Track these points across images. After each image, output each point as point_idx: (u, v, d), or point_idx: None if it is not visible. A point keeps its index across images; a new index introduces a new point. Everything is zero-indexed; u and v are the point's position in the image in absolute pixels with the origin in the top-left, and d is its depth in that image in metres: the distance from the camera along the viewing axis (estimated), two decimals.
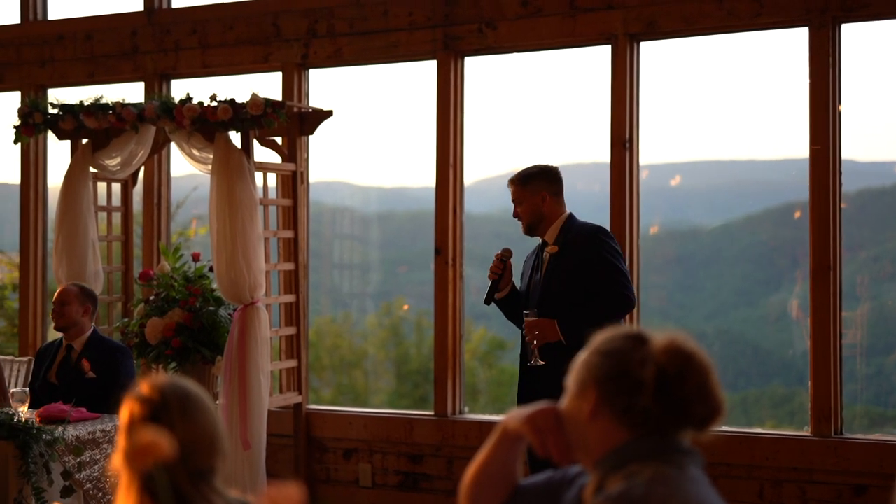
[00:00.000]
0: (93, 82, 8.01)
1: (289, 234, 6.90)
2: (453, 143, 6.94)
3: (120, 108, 6.62)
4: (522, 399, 5.27)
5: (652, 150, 6.77)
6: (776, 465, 6.11)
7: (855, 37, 6.19)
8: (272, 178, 6.82)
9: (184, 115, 6.35)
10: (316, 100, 7.41)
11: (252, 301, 6.27)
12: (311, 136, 7.20)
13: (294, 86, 7.31)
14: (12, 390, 5.39)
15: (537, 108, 7.80)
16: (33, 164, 8.16)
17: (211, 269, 6.57)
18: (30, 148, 8.09)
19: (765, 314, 9.10)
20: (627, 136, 6.49)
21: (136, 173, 7.35)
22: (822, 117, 6.08)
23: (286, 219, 6.90)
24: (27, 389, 5.44)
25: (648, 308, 7.59)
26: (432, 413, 6.97)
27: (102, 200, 7.31)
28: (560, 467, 2.40)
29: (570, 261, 5.18)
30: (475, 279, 7.28)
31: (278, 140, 6.90)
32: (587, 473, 2.28)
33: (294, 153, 6.90)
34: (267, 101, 6.27)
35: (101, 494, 5.19)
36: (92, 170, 7.00)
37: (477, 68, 7.09)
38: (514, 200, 5.36)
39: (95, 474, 5.18)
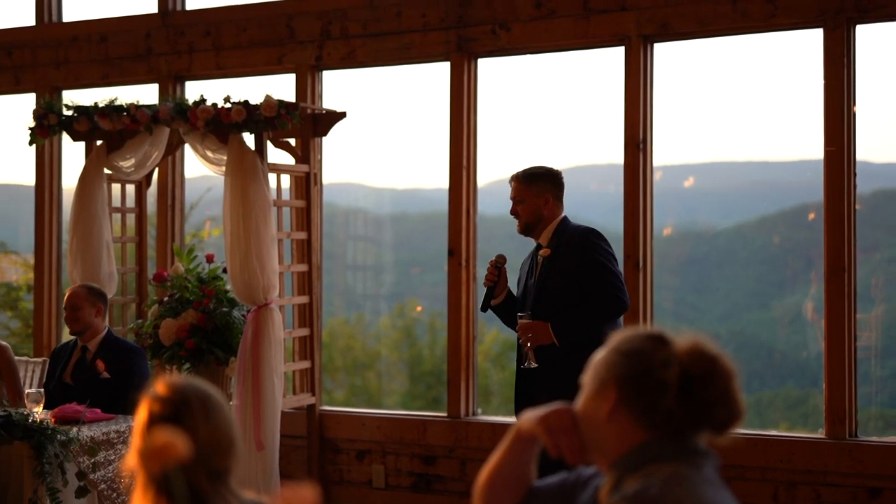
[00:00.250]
0: (107, 84, 8.03)
1: (302, 235, 6.91)
2: (467, 145, 6.94)
3: (134, 109, 6.64)
4: (519, 401, 5.27)
5: (665, 152, 6.76)
6: (790, 468, 6.10)
7: (869, 38, 6.17)
8: (286, 180, 6.83)
9: (198, 116, 6.36)
10: (329, 101, 7.42)
11: (265, 302, 6.28)
12: (324, 138, 7.21)
13: (307, 87, 7.32)
14: (27, 391, 5.41)
15: (551, 109, 7.80)
16: (48, 166, 8.19)
17: (224, 271, 6.58)
18: (44, 149, 8.12)
19: (778, 316, 9.07)
20: (641, 137, 6.48)
21: (150, 175, 7.37)
22: (837, 118, 6.06)
23: (300, 220, 6.91)
24: (42, 390, 5.46)
25: (661, 309, 7.58)
26: (445, 414, 6.97)
27: (117, 202, 7.33)
28: (573, 468, 2.40)
29: (564, 263, 5.16)
30: None
31: (292, 141, 6.91)
32: (602, 474, 2.28)
33: (307, 155, 6.91)
34: (280, 102, 6.28)
35: (115, 495, 5.21)
36: (106, 171, 7.03)
37: (490, 70, 7.09)
38: (514, 198, 5.31)
39: (110, 475, 5.20)
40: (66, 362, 6.15)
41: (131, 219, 7.55)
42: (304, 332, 6.96)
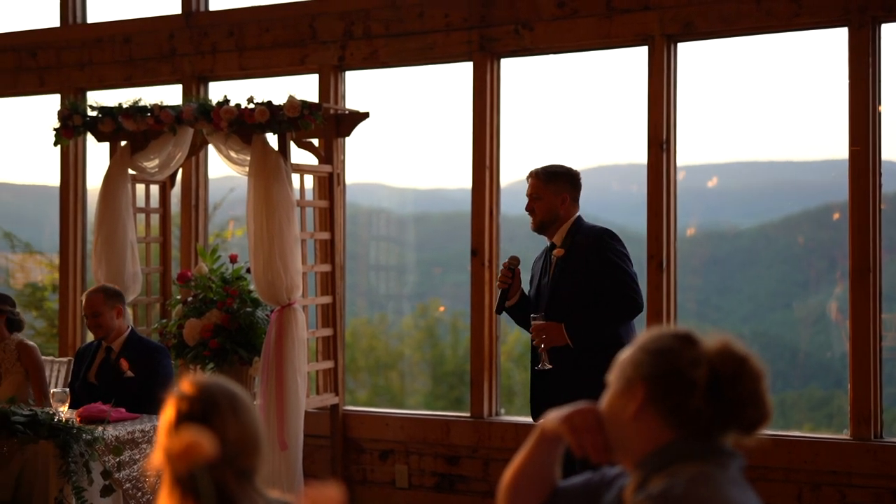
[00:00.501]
0: (131, 85, 8.06)
1: (325, 235, 6.92)
2: (489, 145, 6.94)
3: (158, 110, 6.67)
4: (535, 403, 5.25)
5: (689, 152, 6.74)
6: (815, 469, 6.07)
7: (895, 36, 6.13)
8: (309, 180, 6.85)
9: (221, 117, 6.39)
10: (352, 101, 7.43)
11: (289, 302, 6.30)
12: (347, 138, 7.22)
13: (330, 88, 7.33)
14: (53, 390, 5.44)
15: (574, 109, 7.79)
16: (73, 167, 8.24)
17: (248, 271, 6.60)
18: (69, 150, 8.17)
19: (802, 317, 9.03)
20: (664, 137, 6.47)
21: (174, 175, 7.40)
22: (862, 118, 6.03)
23: (323, 220, 6.93)
24: (67, 389, 5.48)
25: (685, 310, 7.55)
26: (468, 414, 6.97)
27: (141, 202, 7.36)
28: (598, 468, 2.39)
29: (577, 264, 5.13)
30: None
31: (315, 142, 6.92)
32: (627, 474, 2.27)
33: (330, 155, 6.92)
34: (304, 103, 6.29)
35: (140, 494, 5.23)
36: (130, 172, 7.06)
37: (513, 70, 7.09)
38: (531, 194, 5.29)
39: (135, 474, 5.23)
40: (90, 362, 6.18)
41: (155, 219, 7.58)
42: (328, 332, 6.97)
